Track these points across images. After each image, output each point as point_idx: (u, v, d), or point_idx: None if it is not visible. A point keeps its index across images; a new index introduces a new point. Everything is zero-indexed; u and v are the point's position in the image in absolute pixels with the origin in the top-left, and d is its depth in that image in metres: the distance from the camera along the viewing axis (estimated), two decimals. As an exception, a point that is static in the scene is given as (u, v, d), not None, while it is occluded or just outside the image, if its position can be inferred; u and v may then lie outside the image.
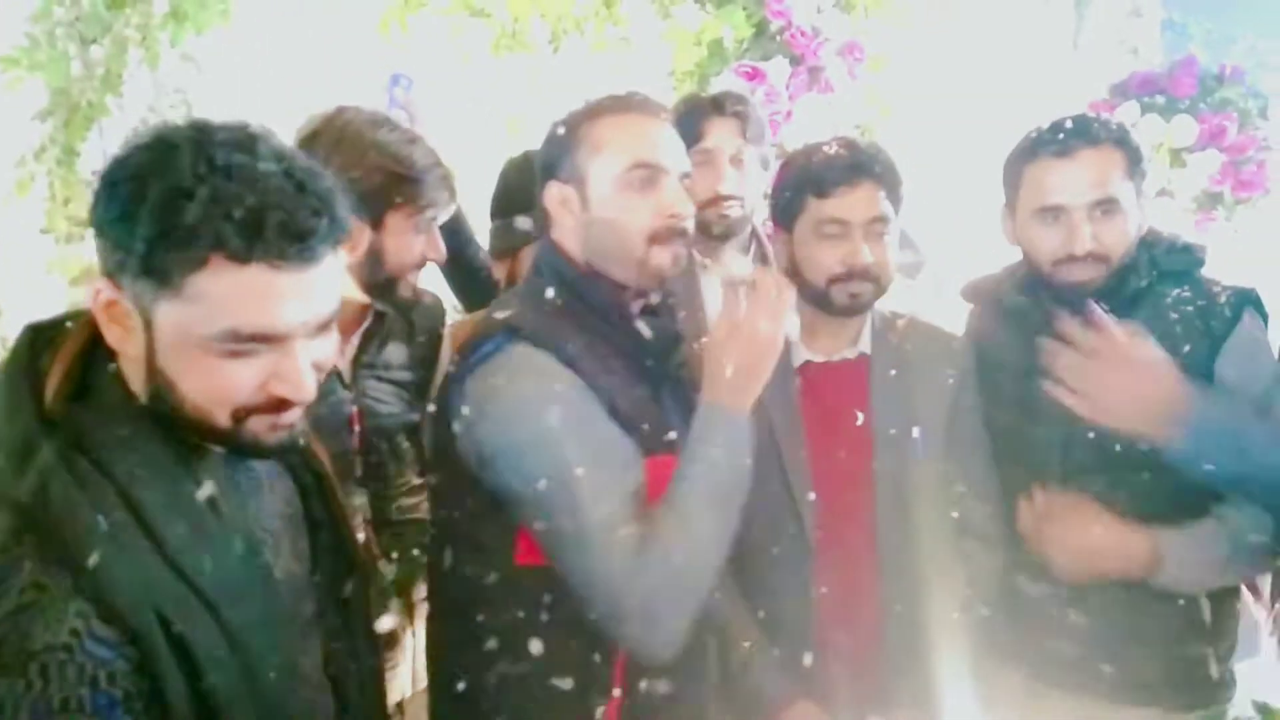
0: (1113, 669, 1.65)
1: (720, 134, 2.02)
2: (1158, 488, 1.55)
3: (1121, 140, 1.62)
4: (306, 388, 0.98)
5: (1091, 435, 1.52)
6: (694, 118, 2.05)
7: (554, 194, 1.44)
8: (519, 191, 1.96)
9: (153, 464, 0.98)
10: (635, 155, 1.39)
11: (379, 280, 1.66)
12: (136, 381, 0.99)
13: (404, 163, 1.61)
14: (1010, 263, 1.80)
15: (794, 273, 1.69)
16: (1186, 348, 1.58)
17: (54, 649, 0.89)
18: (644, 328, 1.44)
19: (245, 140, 0.94)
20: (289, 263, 0.93)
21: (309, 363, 0.98)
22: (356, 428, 1.73)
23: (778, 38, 2.77)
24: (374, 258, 1.63)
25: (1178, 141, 3.14)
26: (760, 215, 2.15)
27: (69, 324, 1.04)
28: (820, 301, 1.65)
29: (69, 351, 1.01)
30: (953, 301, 2.01)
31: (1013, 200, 1.68)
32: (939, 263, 2.99)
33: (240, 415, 0.98)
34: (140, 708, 0.93)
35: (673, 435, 1.41)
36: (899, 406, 1.67)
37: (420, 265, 1.70)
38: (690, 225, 1.43)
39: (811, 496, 1.65)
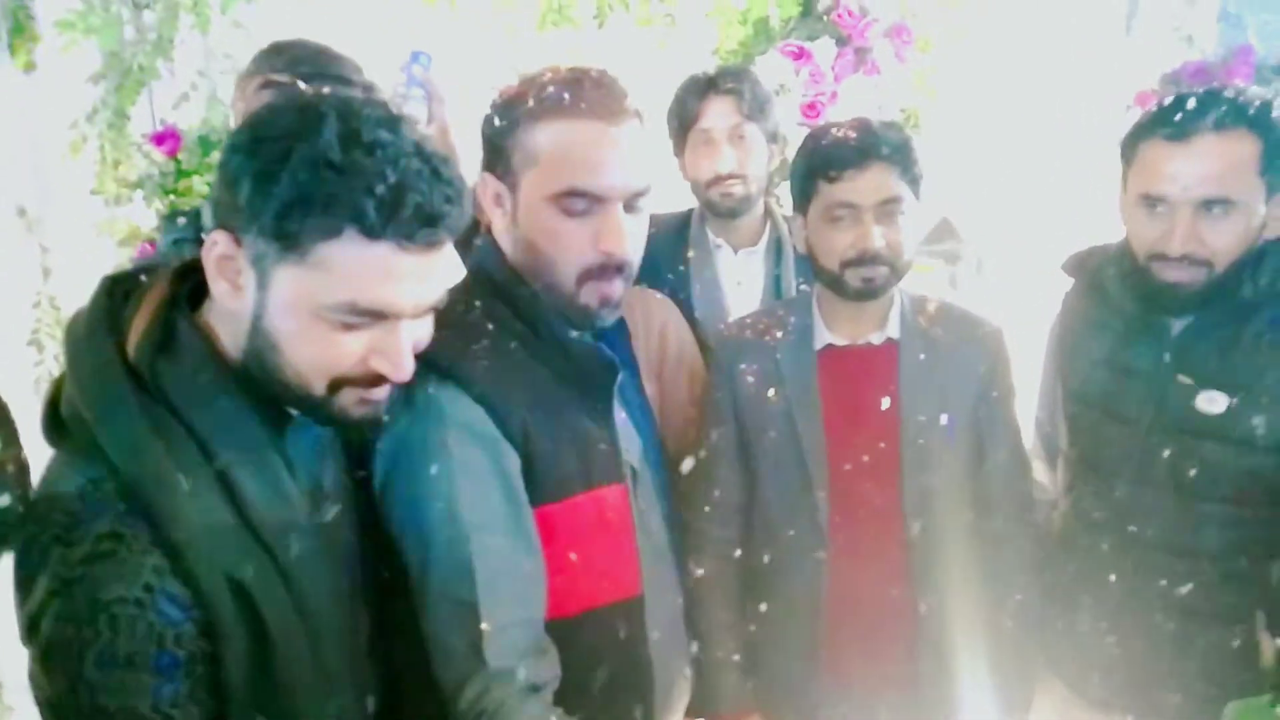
0: (1154, 697, 1.59)
1: (717, 112, 2.02)
2: (1238, 520, 1.48)
3: (1259, 124, 1.40)
4: (405, 367, 0.98)
5: (1167, 454, 1.48)
6: (690, 99, 2.06)
7: (490, 188, 1.27)
8: None
9: (236, 421, 0.98)
10: (573, 180, 1.18)
11: None
12: (229, 337, 0.99)
13: None
14: (1116, 241, 1.65)
15: (810, 257, 1.67)
16: None
17: (126, 602, 0.90)
18: (575, 348, 1.27)
19: (388, 119, 0.94)
20: (416, 245, 0.93)
21: (410, 342, 0.98)
22: None
23: (825, 17, 2.75)
24: None
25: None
26: (775, 191, 2.15)
27: (143, 276, 1.04)
28: (835, 286, 1.62)
29: (153, 302, 1.00)
30: (994, 284, 1.99)
31: (1125, 176, 1.53)
32: (981, 246, 2.97)
33: (336, 385, 0.98)
34: (200, 671, 0.94)
35: (621, 462, 1.30)
36: (928, 392, 1.64)
37: None
38: (632, 259, 1.24)
39: (826, 480, 1.64)
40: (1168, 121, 1.42)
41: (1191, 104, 1.41)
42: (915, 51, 2.84)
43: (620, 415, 1.34)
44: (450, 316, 1.17)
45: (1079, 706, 1.69)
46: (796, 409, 1.65)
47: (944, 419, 1.64)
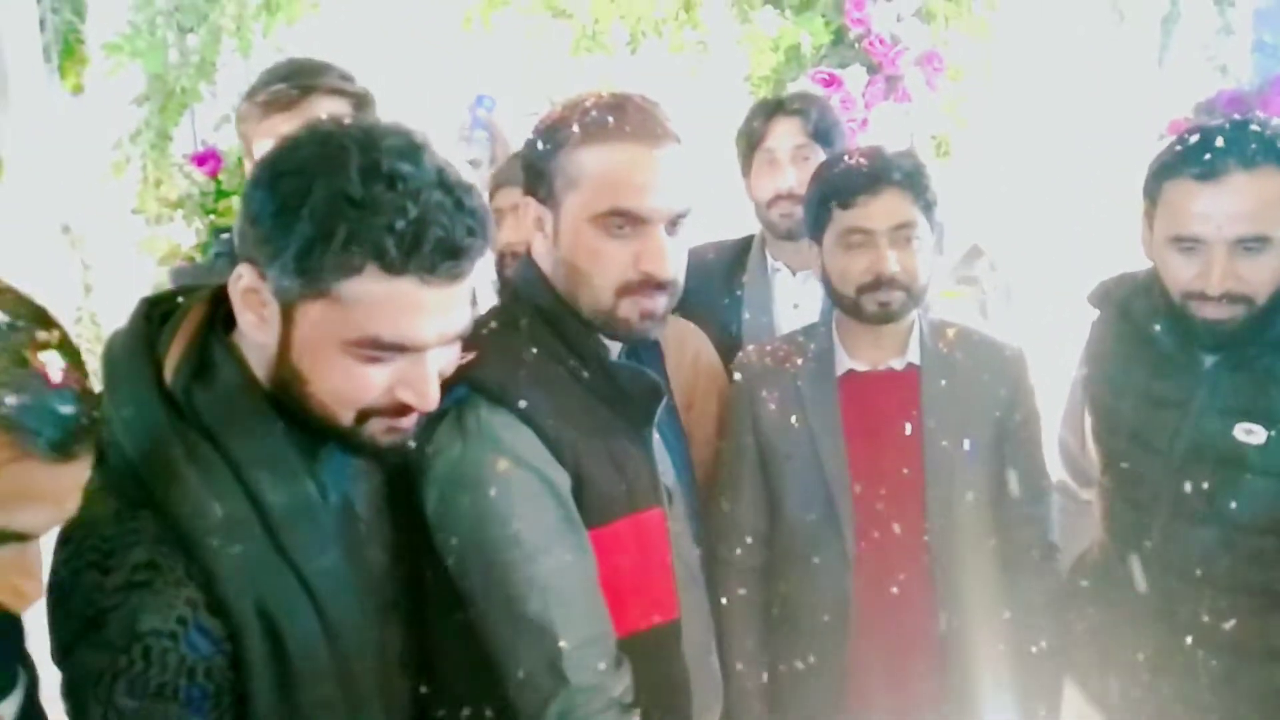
0: None
1: (782, 132, 2.03)
2: (1275, 559, 1.45)
3: None
4: (431, 397, 0.98)
5: (1206, 486, 1.46)
6: (758, 119, 2.08)
7: (532, 212, 1.28)
8: None
9: (269, 447, 0.98)
10: (615, 201, 1.20)
11: None
12: (260, 367, 0.99)
13: None
14: (1144, 269, 1.62)
15: (825, 283, 1.68)
16: None
17: (160, 634, 0.91)
18: (620, 372, 1.28)
19: (410, 149, 0.93)
20: (438, 278, 0.93)
21: (435, 372, 0.99)
22: None
23: (856, 45, 2.77)
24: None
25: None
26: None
27: (180, 299, 1.05)
28: (853, 311, 1.63)
29: (190, 327, 1.01)
30: (1023, 311, 1.99)
31: (1150, 212, 1.50)
32: (1011, 274, 2.95)
33: (364, 416, 0.98)
34: (226, 703, 0.95)
35: (659, 485, 1.31)
36: (950, 416, 1.64)
37: None
38: (674, 278, 1.25)
39: (851, 506, 1.64)
40: (1196, 160, 1.39)
41: (1220, 142, 1.38)
42: (946, 80, 2.85)
43: (655, 438, 1.35)
44: (496, 340, 1.22)
45: None
46: (819, 435, 1.66)
47: (966, 444, 1.63)
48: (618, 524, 1.25)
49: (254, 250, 0.94)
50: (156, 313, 1.03)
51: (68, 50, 2.67)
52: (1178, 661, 1.52)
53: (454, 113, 2.65)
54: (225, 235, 2.28)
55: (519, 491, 1.18)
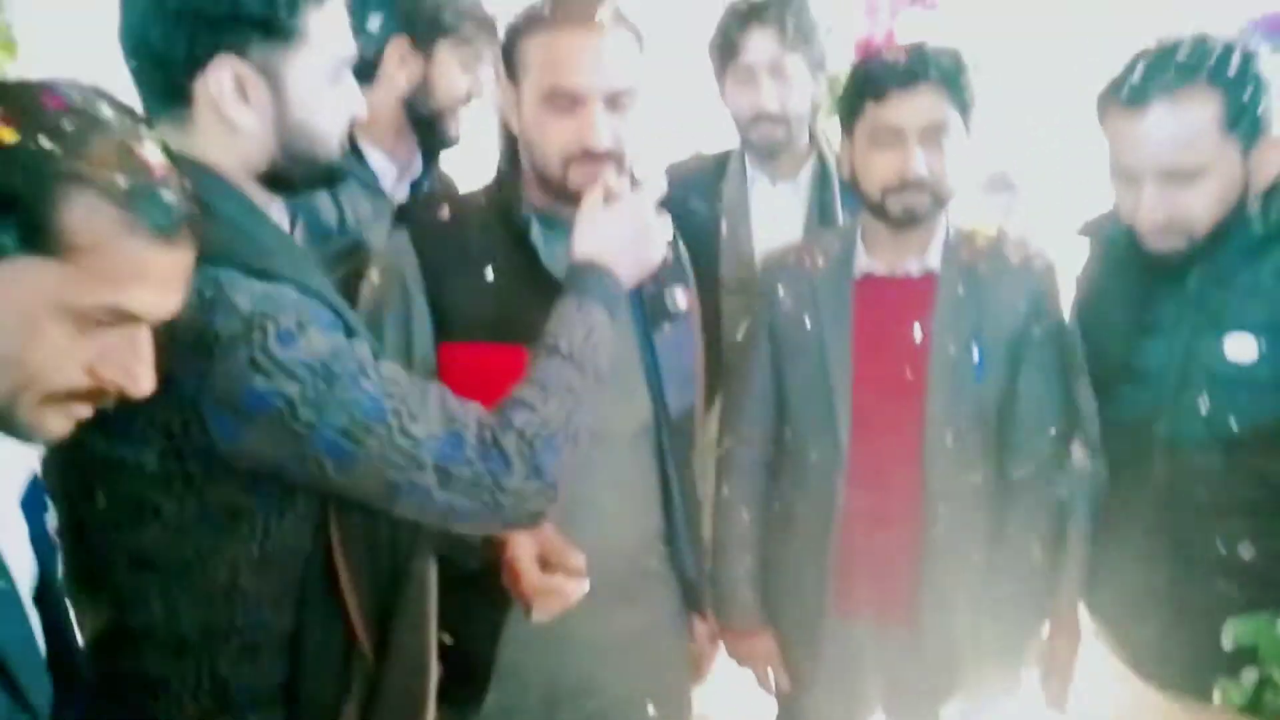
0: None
1: (757, 46, 1.95)
2: (1265, 480, 1.40)
3: (1218, 77, 1.28)
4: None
5: (1204, 410, 1.41)
6: (730, 32, 1.98)
7: (508, 96, 1.47)
8: None
9: (271, 225, 1.13)
10: (553, 81, 1.37)
11: (425, 111, 1.77)
12: (247, 156, 1.09)
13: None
14: None
15: (852, 182, 1.66)
16: None
17: (259, 299, 1.00)
18: (540, 246, 1.45)
19: None
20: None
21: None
22: None
23: (883, -51, 2.68)
24: (423, 90, 1.76)
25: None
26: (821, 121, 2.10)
27: None
28: (877, 211, 1.62)
29: None
30: (1043, 238, 1.93)
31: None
32: (1034, 198, 2.90)
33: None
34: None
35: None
36: (962, 326, 1.63)
37: (465, 101, 1.80)
38: (618, 148, 1.38)
39: (849, 405, 1.65)
40: (1124, 85, 1.33)
41: (1141, 68, 1.31)
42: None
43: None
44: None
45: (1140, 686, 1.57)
46: (827, 334, 1.67)
47: (975, 355, 1.62)
48: (487, 345, 1.41)
49: (224, 42, 1.04)
50: None
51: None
52: (1198, 599, 1.43)
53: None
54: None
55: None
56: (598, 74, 1.36)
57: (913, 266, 1.66)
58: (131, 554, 1.06)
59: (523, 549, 1.32)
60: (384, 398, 1.03)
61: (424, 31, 1.72)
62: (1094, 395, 1.57)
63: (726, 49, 2.00)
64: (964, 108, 1.57)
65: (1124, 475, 1.55)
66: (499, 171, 1.55)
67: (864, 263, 1.68)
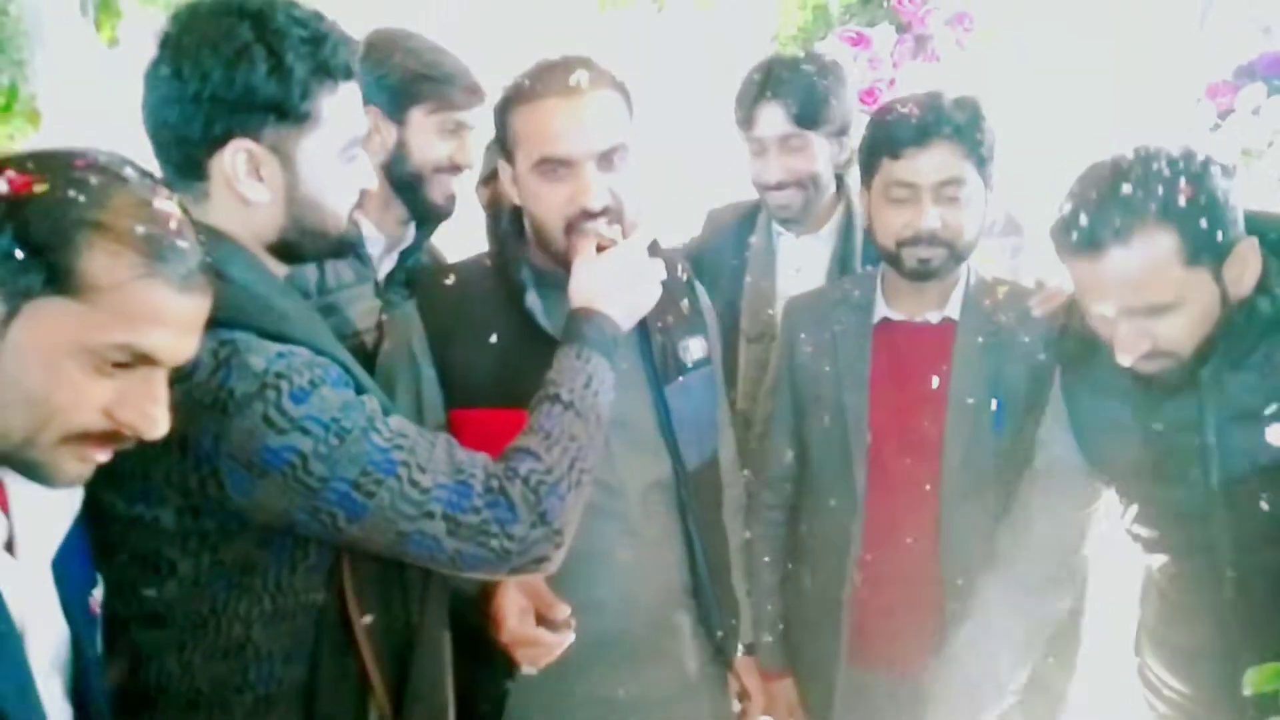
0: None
1: (766, 121, 1.95)
2: None
3: (1169, 214, 1.21)
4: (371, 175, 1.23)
5: (1264, 504, 1.29)
6: (743, 103, 1.99)
7: (505, 173, 1.50)
8: None
9: (289, 291, 1.19)
10: (541, 150, 1.40)
11: (405, 177, 1.75)
12: (260, 230, 1.14)
13: (428, 65, 1.72)
14: None
15: (869, 234, 1.67)
16: None
17: (274, 358, 1.03)
18: (536, 305, 1.46)
19: (292, 6, 1.12)
20: (355, 78, 1.17)
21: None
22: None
23: (885, 4, 2.72)
24: (400, 153, 1.74)
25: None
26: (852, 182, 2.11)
27: None
28: (893, 264, 1.62)
29: None
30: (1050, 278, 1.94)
31: None
32: (1041, 239, 2.91)
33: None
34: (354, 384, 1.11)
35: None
36: (981, 375, 1.61)
37: (450, 169, 1.77)
38: (616, 204, 1.40)
39: (866, 453, 1.65)
40: (1070, 228, 1.25)
41: (1086, 211, 1.23)
42: (978, 41, 2.80)
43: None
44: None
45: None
46: (845, 381, 1.67)
47: (994, 405, 1.61)
48: (495, 411, 1.40)
49: (238, 123, 1.09)
50: None
51: (104, 3, 2.71)
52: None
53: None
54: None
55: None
56: (583, 138, 1.38)
57: (931, 315, 1.66)
58: (148, 612, 1.08)
59: (508, 600, 1.33)
60: (393, 450, 1.06)
61: (395, 100, 1.71)
62: (1130, 498, 1.46)
63: (741, 120, 2.01)
64: (981, 161, 1.56)
65: (1184, 582, 1.45)
66: (501, 235, 1.57)
67: (882, 309, 1.69)
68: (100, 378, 0.88)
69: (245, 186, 1.10)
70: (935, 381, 1.64)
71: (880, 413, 1.66)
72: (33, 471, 0.90)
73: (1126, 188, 1.22)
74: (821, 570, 1.71)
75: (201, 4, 1.11)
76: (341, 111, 1.14)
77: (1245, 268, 1.25)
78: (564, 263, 1.41)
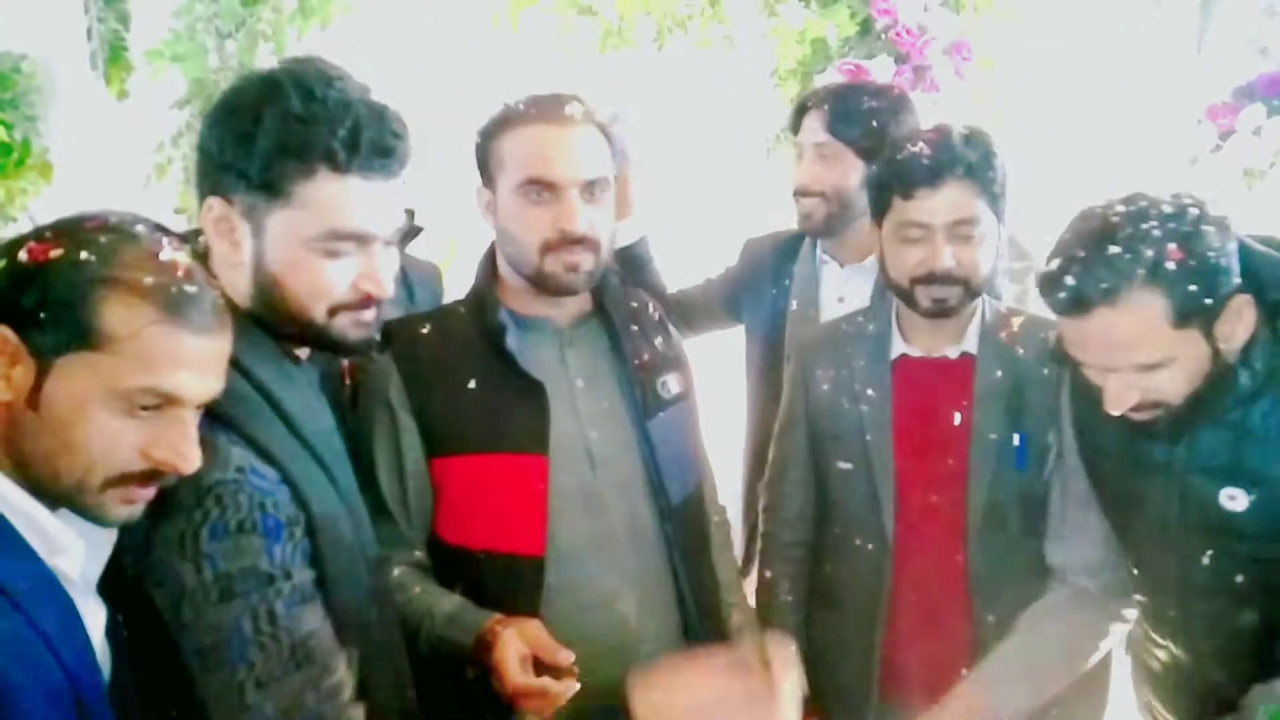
0: None
1: (807, 128, 2.03)
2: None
3: (1158, 278, 1.18)
4: (386, 285, 1.17)
5: (1207, 558, 1.33)
6: (796, 110, 2.09)
7: (482, 198, 1.52)
8: None
9: (264, 352, 1.14)
10: (528, 171, 1.42)
11: None
12: (238, 291, 1.14)
13: None
14: None
15: (883, 272, 1.65)
16: None
17: (225, 482, 1.04)
18: (516, 347, 1.45)
19: (333, 75, 1.12)
20: (377, 175, 1.13)
21: (387, 265, 1.17)
22: None
23: (883, 36, 2.76)
24: None
25: (1310, 147, 2.96)
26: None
27: None
28: (907, 302, 1.61)
29: None
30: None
31: None
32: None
33: (334, 311, 1.15)
34: (299, 535, 1.09)
35: (547, 440, 1.44)
36: (1002, 410, 1.60)
37: None
38: (594, 235, 1.43)
39: (893, 492, 1.63)
40: (1057, 286, 1.22)
41: (1072, 277, 1.20)
42: (976, 70, 2.82)
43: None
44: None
45: None
46: (868, 418, 1.65)
47: (1016, 439, 1.59)
48: (477, 457, 1.44)
49: (219, 182, 1.12)
50: None
51: (113, 57, 2.75)
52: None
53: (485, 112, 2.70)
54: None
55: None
56: (572, 165, 1.42)
57: (949, 350, 1.65)
58: (155, 689, 1.08)
59: (509, 649, 1.30)
60: (252, 647, 1.05)
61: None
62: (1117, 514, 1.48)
63: (791, 124, 2.11)
64: (994, 199, 1.55)
65: (1152, 610, 1.48)
66: (475, 281, 1.57)
67: (899, 345, 1.67)
68: (132, 421, 0.94)
69: (215, 243, 1.13)
70: (957, 418, 1.62)
71: (904, 451, 1.64)
72: (86, 514, 0.96)
73: (1114, 248, 1.18)
74: (851, 610, 1.69)
75: (282, 66, 1.16)
76: (324, 201, 1.10)
77: (1238, 324, 1.23)
78: (537, 286, 1.46)
